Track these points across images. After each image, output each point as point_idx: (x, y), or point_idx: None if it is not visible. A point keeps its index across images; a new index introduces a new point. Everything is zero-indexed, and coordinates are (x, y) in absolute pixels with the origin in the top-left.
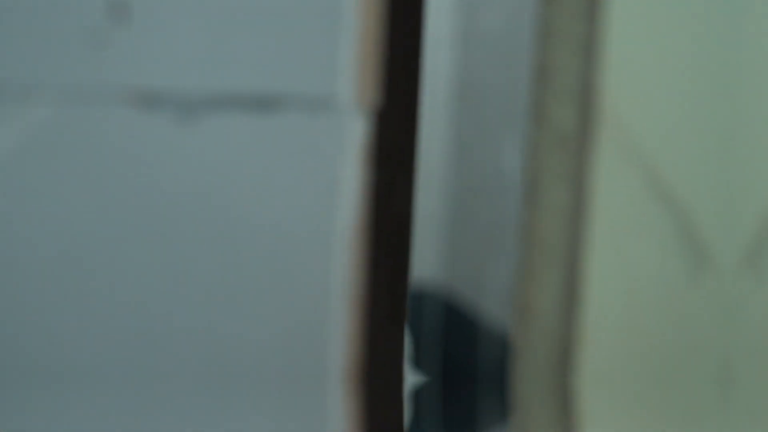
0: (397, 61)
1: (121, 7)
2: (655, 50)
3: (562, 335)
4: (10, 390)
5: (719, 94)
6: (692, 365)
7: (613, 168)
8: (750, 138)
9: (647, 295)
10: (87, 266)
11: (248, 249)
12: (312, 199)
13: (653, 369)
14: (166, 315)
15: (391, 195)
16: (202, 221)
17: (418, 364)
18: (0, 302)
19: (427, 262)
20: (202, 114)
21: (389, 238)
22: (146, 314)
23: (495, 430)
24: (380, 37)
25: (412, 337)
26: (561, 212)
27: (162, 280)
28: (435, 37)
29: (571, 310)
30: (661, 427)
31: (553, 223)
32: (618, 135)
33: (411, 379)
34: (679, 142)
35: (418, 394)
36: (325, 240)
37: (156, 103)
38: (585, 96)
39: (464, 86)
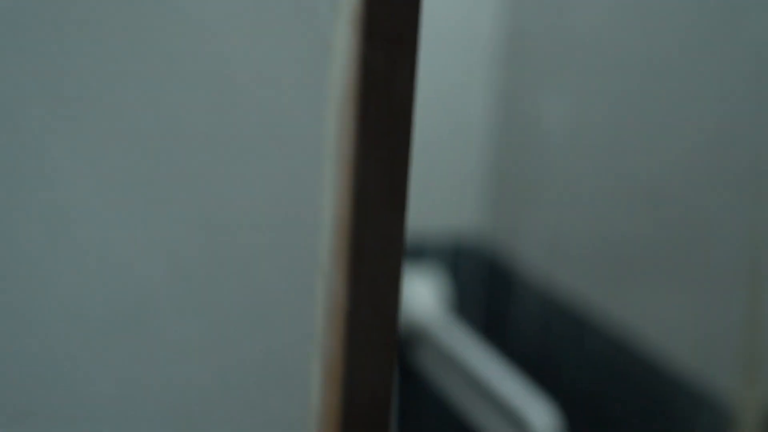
0: None
1: None
2: None
3: None
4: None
5: None
6: None
7: None
8: None
9: None
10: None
11: (237, 108)
12: (301, 61)
13: None
14: (157, 168)
15: (388, 72)
16: (190, 80)
17: (461, 314)
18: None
19: (469, 214)
20: None
21: (386, 118)
22: (136, 161)
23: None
24: None
25: (454, 288)
26: None
27: (150, 141)
28: None
29: None
30: None
31: None
32: None
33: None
34: None
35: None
36: (315, 104)
37: None
38: None
39: (508, 39)
